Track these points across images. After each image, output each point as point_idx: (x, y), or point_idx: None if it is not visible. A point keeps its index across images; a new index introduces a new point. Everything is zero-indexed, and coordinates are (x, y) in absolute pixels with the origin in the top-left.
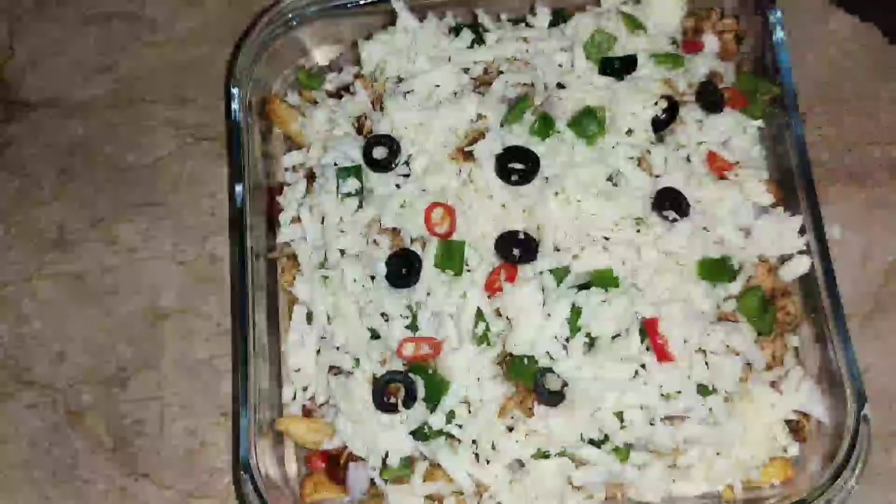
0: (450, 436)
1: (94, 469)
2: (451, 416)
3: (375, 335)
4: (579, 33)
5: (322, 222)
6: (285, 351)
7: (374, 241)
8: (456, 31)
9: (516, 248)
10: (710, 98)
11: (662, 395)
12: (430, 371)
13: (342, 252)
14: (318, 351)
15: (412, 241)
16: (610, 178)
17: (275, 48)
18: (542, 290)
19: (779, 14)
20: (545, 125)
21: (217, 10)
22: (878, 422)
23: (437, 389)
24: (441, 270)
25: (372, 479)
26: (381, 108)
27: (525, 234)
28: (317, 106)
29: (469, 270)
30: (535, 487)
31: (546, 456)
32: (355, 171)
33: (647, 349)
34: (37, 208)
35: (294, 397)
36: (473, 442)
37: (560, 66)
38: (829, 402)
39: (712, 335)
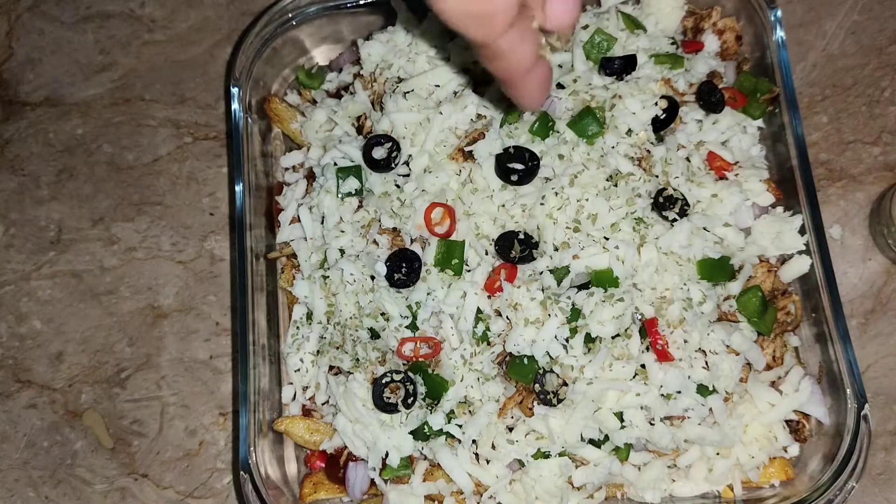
0: (450, 436)
1: (93, 469)
2: (451, 416)
3: (375, 335)
4: (579, 33)
5: (322, 222)
6: (285, 351)
7: (374, 241)
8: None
9: (516, 248)
10: (710, 98)
11: (662, 395)
12: (430, 371)
13: (342, 252)
14: (318, 351)
15: (412, 241)
16: (610, 178)
17: (275, 48)
18: (542, 290)
19: (779, 14)
20: (545, 125)
21: (217, 10)
22: (878, 422)
23: (437, 389)
24: (441, 270)
25: (372, 479)
26: (381, 108)
27: (525, 234)
28: (317, 106)
29: (469, 270)
30: (535, 487)
31: (546, 456)
32: (355, 171)
33: (647, 349)
34: (36, 208)
35: (294, 397)
36: (473, 442)
37: (560, 66)
38: (829, 402)
39: (712, 335)
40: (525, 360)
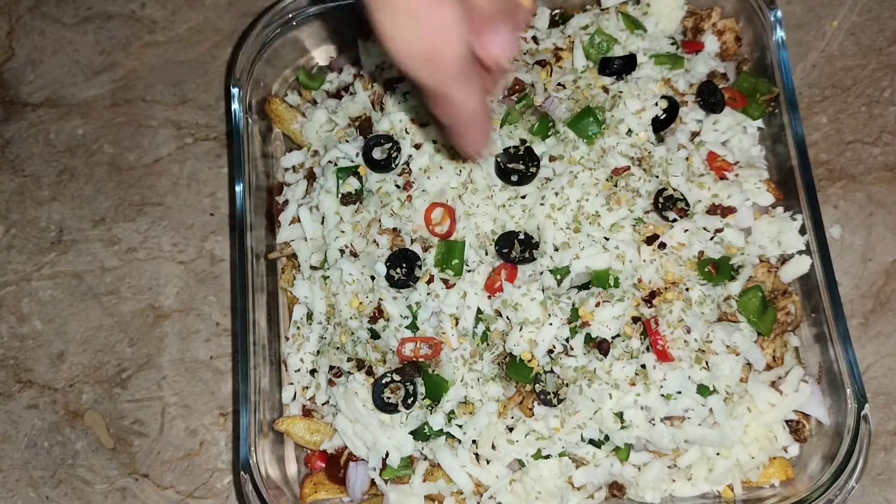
0: (450, 436)
1: (94, 469)
2: (451, 416)
3: (375, 335)
4: (579, 33)
5: (322, 222)
6: (285, 351)
7: (374, 241)
8: None
9: (516, 248)
10: (710, 98)
11: (662, 395)
12: (430, 371)
13: (342, 252)
14: (318, 351)
15: (412, 241)
16: (610, 178)
17: (275, 48)
18: (542, 290)
19: (779, 14)
20: (545, 125)
21: (217, 11)
22: (878, 422)
23: (437, 389)
24: (441, 270)
25: (372, 480)
26: (381, 108)
27: (525, 234)
28: (317, 106)
29: (469, 270)
30: (535, 487)
31: (546, 456)
32: (355, 171)
33: (647, 349)
34: (37, 208)
35: (294, 397)
36: (473, 442)
37: (561, 66)
38: (829, 402)
39: (712, 335)
40: (525, 360)
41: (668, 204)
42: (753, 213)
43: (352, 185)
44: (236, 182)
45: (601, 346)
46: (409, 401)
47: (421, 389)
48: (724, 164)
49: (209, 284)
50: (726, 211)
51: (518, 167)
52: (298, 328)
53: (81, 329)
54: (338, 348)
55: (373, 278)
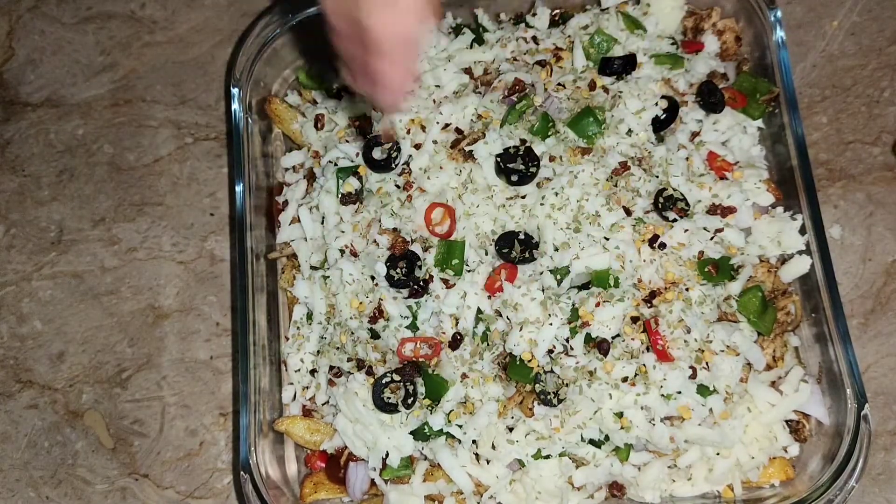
0: (450, 436)
1: (94, 469)
2: (451, 416)
3: (375, 335)
4: (579, 33)
5: (322, 222)
6: (286, 351)
7: (374, 241)
8: (456, 31)
9: (516, 248)
10: (710, 98)
11: (662, 395)
12: (430, 371)
13: (342, 252)
14: (318, 351)
15: (412, 241)
16: (610, 178)
17: (275, 49)
18: (542, 290)
19: (779, 14)
20: (545, 125)
21: (217, 11)
22: (878, 422)
23: (437, 389)
24: (441, 270)
25: (372, 480)
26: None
27: (525, 234)
28: (317, 106)
29: (469, 270)
30: (535, 487)
31: (546, 456)
32: (355, 171)
33: (647, 349)
34: (37, 208)
35: (294, 397)
36: (473, 442)
37: (561, 66)
38: (829, 402)
39: (712, 335)
40: (525, 361)
41: (668, 204)
42: (753, 213)
43: (352, 185)
44: (236, 182)
45: (601, 346)
46: (409, 401)
47: (421, 389)
48: (724, 164)
49: (209, 284)
50: (726, 211)
51: (518, 167)
52: (298, 328)
53: (81, 329)
54: (338, 348)
55: (373, 278)
